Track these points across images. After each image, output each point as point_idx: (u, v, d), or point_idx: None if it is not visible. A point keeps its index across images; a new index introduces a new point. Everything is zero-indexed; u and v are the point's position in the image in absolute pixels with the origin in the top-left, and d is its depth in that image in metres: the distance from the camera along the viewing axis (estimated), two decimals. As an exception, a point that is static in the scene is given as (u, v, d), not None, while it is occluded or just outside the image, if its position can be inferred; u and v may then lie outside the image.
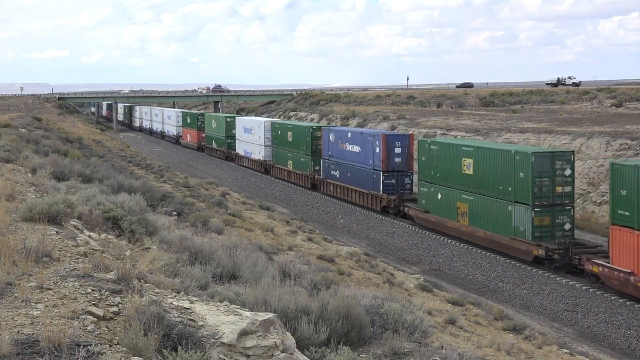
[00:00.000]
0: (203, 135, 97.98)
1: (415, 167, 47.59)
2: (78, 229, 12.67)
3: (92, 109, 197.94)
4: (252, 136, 76.41)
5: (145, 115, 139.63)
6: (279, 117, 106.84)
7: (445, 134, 69.35)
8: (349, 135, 56.29)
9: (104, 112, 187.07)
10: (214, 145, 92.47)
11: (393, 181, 48.63)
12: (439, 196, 42.25)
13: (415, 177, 47.15)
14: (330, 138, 58.14)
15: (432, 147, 43.43)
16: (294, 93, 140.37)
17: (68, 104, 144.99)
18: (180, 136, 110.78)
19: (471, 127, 71.57)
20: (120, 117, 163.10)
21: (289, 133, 68.16)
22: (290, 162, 66.87)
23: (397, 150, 49.08)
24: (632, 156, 47.55)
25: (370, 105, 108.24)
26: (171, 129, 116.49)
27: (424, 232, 43.51)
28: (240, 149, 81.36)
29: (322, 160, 60.12)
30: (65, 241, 11.02)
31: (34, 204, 12.65)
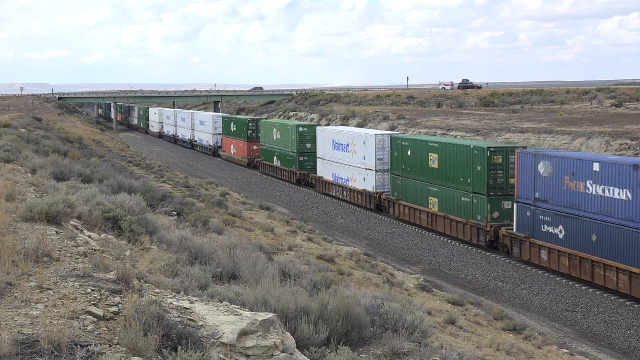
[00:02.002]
0: (255, 147, 76.46)
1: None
2: (78, 229, 12.67)
3: (100, 111, 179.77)
4: (350, 155, 53.07)
5: (168, 119, 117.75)
6: (278, 117, 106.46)
7: (445, 134, 69.34)
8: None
9: (113, 113, 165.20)
10: (277, 163, 68.33)
11: None
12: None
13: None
14: (542, 169, 33.69)
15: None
16: (294, 93, 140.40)
17: (68, 104, 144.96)
18: (220, 147, 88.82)
19: (471, 127, 71.57)
20: (134, 121, 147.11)
21: (434, 156, 42.50)
22: (435, 200, 42.39)
23: None
24: (632, 156, 47.54)
25: (370, 105, 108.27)
26: (205, 138, 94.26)
27: (423, 232, 43.52)
28: (325, 172, 58.22)
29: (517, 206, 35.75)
30: (65, 241, 11.02)
31: (34, 204, 12.65)
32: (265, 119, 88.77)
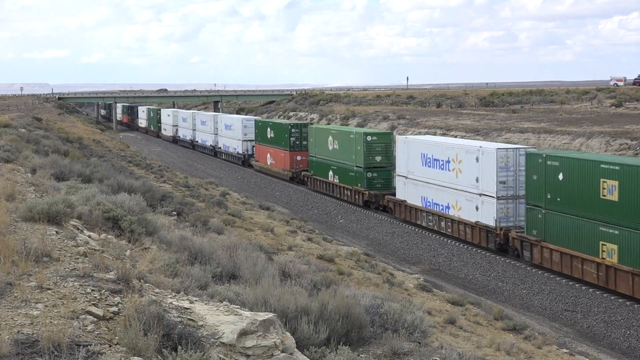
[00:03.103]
0: (300, 158, 64.84)
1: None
2: (78, 229, 12.67)
3: (102, 112, 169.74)
4: (451, 175, 40.78)
5: (184, 122, 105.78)
6: (278, 117, 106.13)
7: (445, 134, 69.33)
8: None
9: (120, 115, 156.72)
10: (334, 179, 56.16)
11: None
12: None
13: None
14: None
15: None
16: (294, 93, 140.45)
17: (68, 104, 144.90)
18: (251, 156, 76.86)
19: (471, 127, 71.58)
20: (143, 123, 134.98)
21: (610, 183, 29.93)
22: (613, 248, 29.87)
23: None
24: (632, 156, 47.53)
25: (370, 105, 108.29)
26: (233, 145, 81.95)
27: (423, 232, 43.50)
28: (409, 195, 45.50)
29: None
30: (65, 241, 11.02)
31: (34, 204, 12.65)
32: (317, 124, 79.71)
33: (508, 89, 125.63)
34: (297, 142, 65.24)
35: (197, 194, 44.89)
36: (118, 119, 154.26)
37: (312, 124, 73.27)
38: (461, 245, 40.04)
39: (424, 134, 67.38)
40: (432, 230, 42.91)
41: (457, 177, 40.29)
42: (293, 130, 65.85)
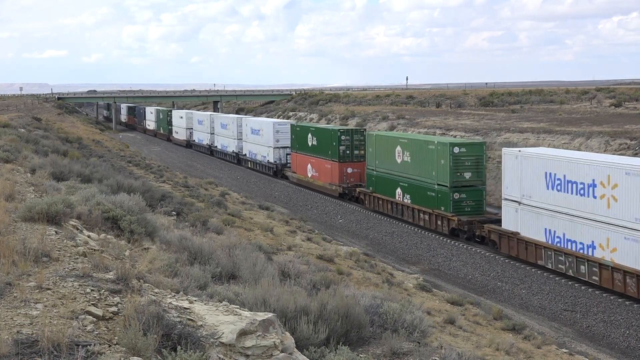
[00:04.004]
0: (351, 170, 54.99)
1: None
2: (77, 229, 12.67)
3: (105, 112, 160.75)
4: (597, 203, 30.78)
5: (200, 125, 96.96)
6: (277, 117, 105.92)
7: (444, 133, 69.33)
8: None
9: (124, 116, 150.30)
10: (404, 199, 46.07)
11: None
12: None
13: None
14: None
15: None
16: (294, 93, 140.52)
17: (67, 104, 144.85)
18: (286, 166, 67.29)
19: (470, 127, 71.60)
20: (151, 125, 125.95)
21: None
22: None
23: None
24: (632, 156, 47.57)
25: (369, 105, 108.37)
26: (262, 152, 71.83)
27: (422, 232, 43.50)
28: (527, 226, 35.59)
29: None
30: (65, 241, 11.02)
31: (33, 204, 12.65)
32: (379, 130, 70.81)
33: (507, 89, 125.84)
34: (348, 152, 55.47)
35: (197, 193, 44.89)
36: (123, 120, 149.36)
37: (363, 129, 60.67)
38: (460, 245, 39.93)
39: (423, 134, 67.05)
40: (562, 274, 32.92)
41: (608, 206, 30.00)
42: (343, 137, 55.74)
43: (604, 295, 30.16)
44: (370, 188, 50.58)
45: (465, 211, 41.21)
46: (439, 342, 13.57)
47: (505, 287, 32.99)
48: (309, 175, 60.65)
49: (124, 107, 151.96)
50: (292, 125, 67.08)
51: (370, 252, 39.02)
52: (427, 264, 37.61)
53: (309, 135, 60.88)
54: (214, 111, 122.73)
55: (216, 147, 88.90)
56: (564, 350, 23.74)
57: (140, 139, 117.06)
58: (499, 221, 38.22)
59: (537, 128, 64.61)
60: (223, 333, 7.79)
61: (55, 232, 11.61)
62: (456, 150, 41.26)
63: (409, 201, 45.36)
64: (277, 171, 68.39)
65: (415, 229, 44.36)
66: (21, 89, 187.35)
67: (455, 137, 64.68)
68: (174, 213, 27.15)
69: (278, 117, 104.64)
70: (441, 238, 41.71)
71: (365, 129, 61.07)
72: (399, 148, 46.85)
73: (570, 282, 32.14)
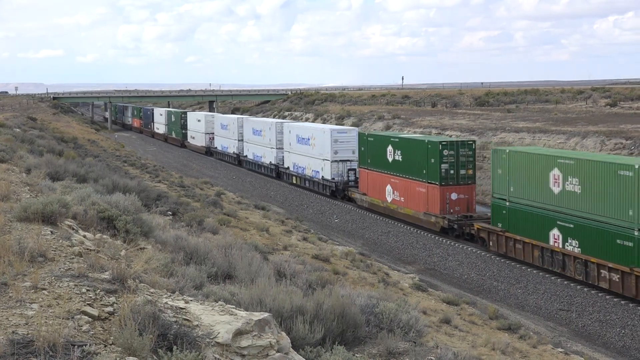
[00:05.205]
0: (457, 196, 42.01)
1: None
2: (73, 229, 12.65)
3: (106, 113, 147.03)
4: None
5: (224, 130, 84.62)
6: (273, 117, 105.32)
7: (440, 133, 69.38)
8: None
9: (129, 118, 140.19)
10: (568, 246, 32.67)
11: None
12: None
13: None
14: None
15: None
16: (289, 93, 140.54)
17: (63, 103, 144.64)
18: (351, 185, 54.78)
19: (466, 126, 71.68)
20: (160, 129, 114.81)
21: None
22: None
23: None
24: (627, 155, 47.66)
25: (365, 105, 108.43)
26: (314, 166, 58.92)
27: (419, 231, 43.51)
28: None
29: None
30: (60, 241, 11.00)
31: (29, 204, 12.63)
32: (511, 146, 53.21)
33: (503, 88, 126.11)
34: (452, 172, 41.89)
35: (192, 193, 44.87)
36: (127, 122, 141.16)
37: (472, 141, 44.70)
38: (456, 244, 40.00)
39: (419, 134, 66.88)
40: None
41: None
42: (446, 151, 41.83)
43: (600, 294, 30.21)
44: (499, 224, 36.64)
45: None
46: (434, 342, 13.59)
47: (501, 286, 33.02)
48: (389, 199, 47.64)
49: (128, 108, 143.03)
50: (360, 134, 54.45)
51: (366, 251, 39.03)
52: (423, 263, 37.63)
53: (389, 147, 47.59)
54: (209, 111, 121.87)
55: (246, 156, 76.73)
56: (560, 349, 23.79)
57: (141, 142, 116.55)
58: None
59: (533, 128, 64.72)
60: (219, 333, 7.79)
61: (51, 232, 11.59)
62: None
63: (577, 249, 32.08)
64: (337, 191, 55.59)
65: (410, 228, 44.29)
66: (16, 88, 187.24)
67: (450, 136, 64.46)
68: (170, 213, 27.14)
69: (274, 117, 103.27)
70: (436, 238, 41.63)
71: (474, 141, 44.99)
72: (556, 171, 33.09)
73: (566, 282, 32.16)
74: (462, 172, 41.90)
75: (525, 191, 35.25)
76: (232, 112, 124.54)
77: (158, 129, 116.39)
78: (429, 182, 42.69)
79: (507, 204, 36.25)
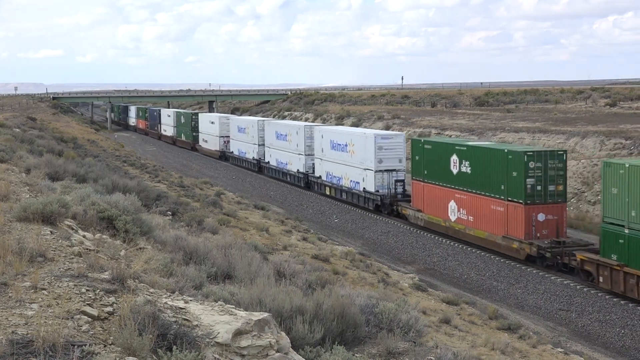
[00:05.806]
0: (544, 218, 35.24)
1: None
2: (72, 229, 12.64)
3: (109, 114, 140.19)
4: None
5: (241, 133, 77.89)
6: (273, 117, 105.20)
7: (439, 133, 69.40)
8: None
9: (133, 119, 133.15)
10: None
11: None
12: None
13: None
14: None
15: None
16: (289, 93, 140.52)
17: (62, 103, 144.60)
18: (400, 199, 48.25)
19: (465, 126, 71.67)
20: (168, 131, 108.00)
21: None
22: None
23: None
24: (626, 155, 47.66)
25: (364, 104, 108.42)
26: (354, 176, 52.03)
27: (418, 231, 43.50)
28: None
29: None
30: (60, 241, 11.00)
31: (28, 204, 12.62)
32: (626, 159, 39.53)
33: (503, 88, 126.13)
34: (539, 188, 35.25)
35: (192, 193, 44.87)
36: (131, 124, 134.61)
37: (563, 151, 37.77)
38: (456, 244, 39.99)
39: (419, 134, 67.01)
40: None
41: None
42: (532, 163, 35.31)
43: (600, 294, 30.21)
44: (614, 256, 29.75)
45: None
46: (434, 342, 13.59)
47: (501, 286, 33.03)
48: (452, 218, 41.28)
49: (132, 108, 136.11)
50: (414, 141, 47.60)
51: (366, 251, 39.02)
52: (423, 263, 37.63)
53: (454, 157, 40.96)
54: (209, 111, 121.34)
55: (267, 162, 69.86)
56: (560, 349, 23.79)
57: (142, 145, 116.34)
58: None
59: (533, 128, 64.72)
60: (219, 333, 7.79)
61: (51, 232, 11.59)
62: None
63: None
64: (383, 205, 48.54)
65: (410, 228, 44.28)
66: (16, 88, 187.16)
67: (450, 136, 64.56)
68: (170, 213, 27.12)
69: (273, 117, 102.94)
70: (436, 238, 41.62)
71: (565, 151, 37.93)
72: None
73: (565, 282, 32.17)
74: (551, 188, 35.23)
75: None
76: (232, 112, 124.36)
77: (165, 130, 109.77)
78: (509, 200, 36.12)
79: (626, 231, 28.93)
